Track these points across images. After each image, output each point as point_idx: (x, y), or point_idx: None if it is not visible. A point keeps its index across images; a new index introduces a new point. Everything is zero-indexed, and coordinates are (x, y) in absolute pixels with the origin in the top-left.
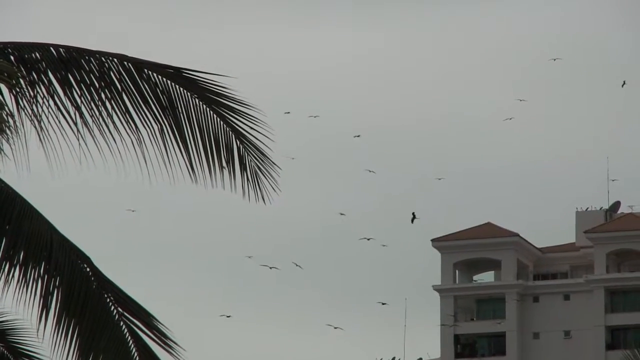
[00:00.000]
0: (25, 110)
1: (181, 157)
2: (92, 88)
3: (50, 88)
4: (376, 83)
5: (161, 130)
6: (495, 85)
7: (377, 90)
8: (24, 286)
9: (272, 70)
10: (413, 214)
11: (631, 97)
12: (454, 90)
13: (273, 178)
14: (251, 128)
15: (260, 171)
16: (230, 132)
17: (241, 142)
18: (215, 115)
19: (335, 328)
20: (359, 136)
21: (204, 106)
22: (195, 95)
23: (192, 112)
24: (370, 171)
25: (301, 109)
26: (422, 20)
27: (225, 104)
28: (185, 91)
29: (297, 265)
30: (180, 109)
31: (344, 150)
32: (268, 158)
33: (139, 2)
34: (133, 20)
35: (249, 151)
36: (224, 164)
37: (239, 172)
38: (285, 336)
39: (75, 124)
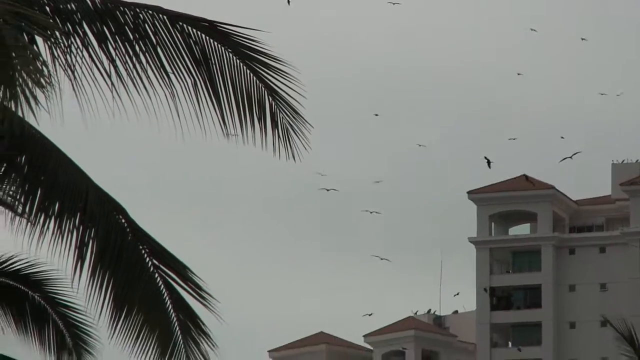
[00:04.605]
0: (59, 60)
1: (214, 113)
2: (126, 40)
3: (85, 39)
4: (409, 32)
5: (194, 85)
6: (531, 35)
7: (409, 40)
8: (59, 237)
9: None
10: (487, 159)
11: None
12: (486, 39)
13: (304, 136)
14: (284, 85)
15: (292, 129)
16: (263, 89)
17: (274, 98)
18: (248, 71)
19: (382, 259)
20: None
21: (238, 61)
22: (230, 50)
23: (225, 67)
24: (420, 145)
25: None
26: None
27: (258, 59)
28: (219, 45)
29: (370, 212)
30: (214, 63)
31: (375, 102)
32: (300, 115)
33: None
34: None
35: (281, 108)
36: (256, 122)
37: (270, 129)
38: (322, 290)
39: (109, 76)
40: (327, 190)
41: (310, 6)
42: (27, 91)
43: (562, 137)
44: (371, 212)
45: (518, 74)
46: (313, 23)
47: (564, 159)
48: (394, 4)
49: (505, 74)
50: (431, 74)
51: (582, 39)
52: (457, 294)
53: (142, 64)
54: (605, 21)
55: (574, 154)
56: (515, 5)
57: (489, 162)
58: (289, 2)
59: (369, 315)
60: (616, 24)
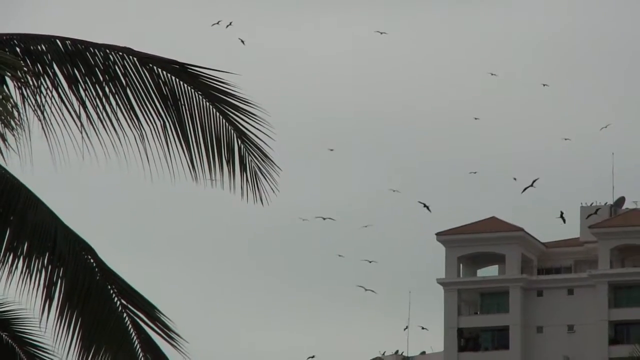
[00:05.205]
0: (29, 100)
1: (182, 155)
2: (96, 82)
3: (55, 80)
4: (378, 75)
5: (164, 127)
6: (499, 79)
7: (379, 83)
8: (27, 277)
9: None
10: (425, 205)
11: (637, 91)
12: (457, 82)
13: (273, 179)
14: (254, 127)
15: (260, 172)
16: (232, 131)
17: (242, 141)
18: (217, 113)
19: (367, 290)
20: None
21: (207, 103)
22: (199, 92)
23: (195, 109)
24: (394, 190)
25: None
26: (412, 16)
27: (228, 101)
28: (189, 87)
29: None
30: (183, 105)
31: (347, 141)
32: (269, 159)
33: None
34: (141, 16)
35: (250, 151)
36: (224, 165)
37: (239, 172)
38: (289, 330)
39: (79, 117)
40: (324, 219)
41: (279, 47)
42: None
43: (514, 179)
44: (369, 262)
45: (475, 119)
46: (283, 64)
47: (525, 188)
48: (381, 33)
49: (465, 119)
50: (395, 117)
51: (544, 84)
52: (406, 327)
53: (112, 106)
54: (566, 67)
55: (534, 181)
56: (476, 49)
57: (427, 207)
58: (243, 42)
59: (312, 358)
60: (577, 69)
